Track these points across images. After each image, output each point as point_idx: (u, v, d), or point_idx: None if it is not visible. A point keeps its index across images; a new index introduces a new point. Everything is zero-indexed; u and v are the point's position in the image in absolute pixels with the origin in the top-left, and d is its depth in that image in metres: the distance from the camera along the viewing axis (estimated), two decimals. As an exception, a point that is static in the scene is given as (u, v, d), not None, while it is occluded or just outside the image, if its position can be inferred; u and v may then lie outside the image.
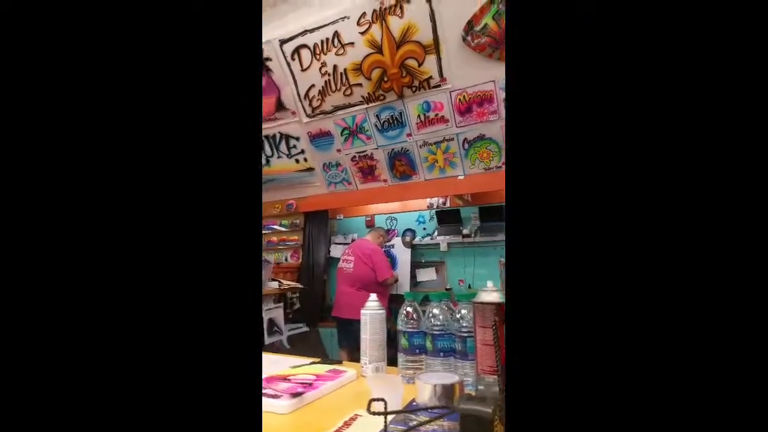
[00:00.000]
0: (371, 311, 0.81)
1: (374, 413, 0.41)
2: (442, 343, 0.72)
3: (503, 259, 2.75)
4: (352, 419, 0.56)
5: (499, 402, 0.49)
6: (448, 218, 2.98)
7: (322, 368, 0.82)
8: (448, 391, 0.58)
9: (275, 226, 3.36)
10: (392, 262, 3.00)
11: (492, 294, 0.64)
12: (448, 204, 2.97)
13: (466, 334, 0.69)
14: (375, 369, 0.78)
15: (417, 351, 0.75)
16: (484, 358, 0.61)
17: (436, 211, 3.04)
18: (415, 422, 0.52)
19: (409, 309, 0.78)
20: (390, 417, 0.52)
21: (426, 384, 0.59)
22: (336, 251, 3.21)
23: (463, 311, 0.72)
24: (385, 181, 2.89)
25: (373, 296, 0.84)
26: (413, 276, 3.01)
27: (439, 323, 0.74)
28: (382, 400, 0.43)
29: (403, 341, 0.76)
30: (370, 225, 3.27)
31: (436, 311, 0.75)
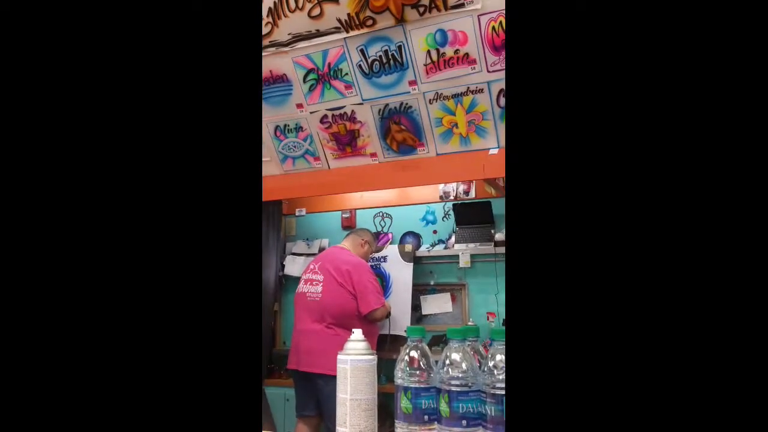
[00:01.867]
0: (355, 356, 0.83)
1: None
2: (466, 406, 0.76)
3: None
4: None
5: None
6: (472, 215, 3.05)
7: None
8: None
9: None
10: (383, 283, 3.04)
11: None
12: (472, 193, 3.04)
13: (502, 392, 0.72)
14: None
15: (426, 418, 0.78)
16: None
17: (453, 205, 3.11)
18: None
19: (414, 354, 0.80)
20: None
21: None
22: (294, 266, 3.27)
23: (498, 357, 0.74)
24: (373, 155, 2.87)
25: (358, 333, 0.88)
26: (416, 306, 3.07)
27: (460, 375, 0.77)
28: None
29: (404, 403, 0.79)
30: (349, 225, 3.32)
31: (456, 357, 0.79)
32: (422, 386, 0.79)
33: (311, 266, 2.72)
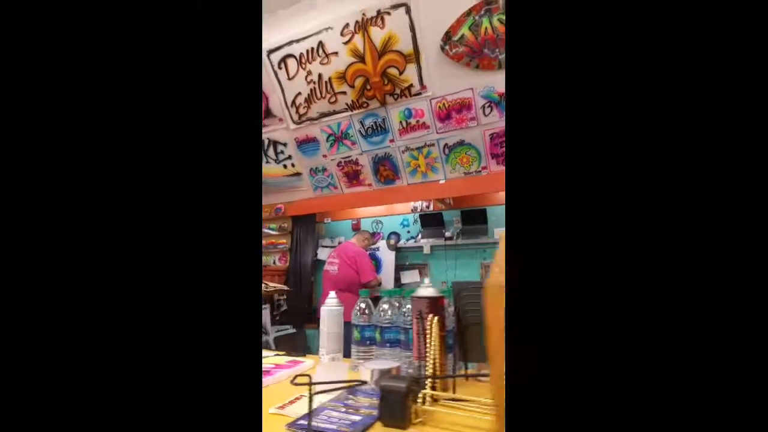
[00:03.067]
0: (329, 308, 0.88)
1: (296, 384, 0.49)
2: (389, 335, 0.79)
3: (485, 262, 2.81)
4: (297, 399, 0.63)
5: (418, 380, 0.56)
6: (431, 221, 3.04)
7: (284, 359, 0.88)
8: (385, 374, 0.66)
9: (264, 230, 3.42)
10: (377, 264, 3.05)
11: (427, 289, 0.72)
12: (431, 208, 3.03)
13: (409, 327, 0.76)
14: (331, 359, 0.85)
15: (367, 342, 0.81)
16: (417, 345, 0.69)
17: (419, 215, 3.10)
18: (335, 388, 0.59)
19: (362, 305, 0.85)
20: (326, 395, 0.60)
21: (367, 369, 0.67)
22: (323, 254, 3.25)
23: (407, 306, 0.78)
24: (369, 185, 2.94)
25: (332, 294, 0.91)
26: (397, 278, 3.05)
27: (387, 317, 0.80)
28: (308, 375, 0.50)
29: (355, 334, 0.83)
30: (356, 228, 3.32)
31: (385, 306, 0.82)
32: (366, 324, 0.81)
33: (332, 254, 2.73)
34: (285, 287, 2.86)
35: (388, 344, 0.79)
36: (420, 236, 3.08)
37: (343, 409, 0.58)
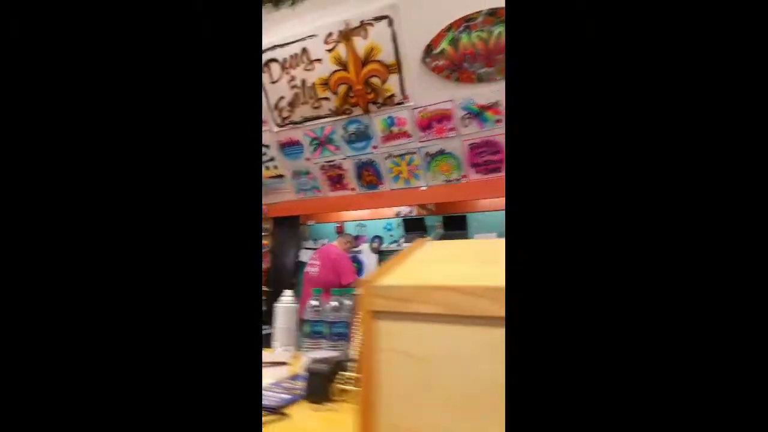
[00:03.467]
0: (284, 305, 0.97)
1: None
2: (336, 329, 0.89)
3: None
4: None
5: (341, 364, 0.65)
6: (414, 226, 3.15)
7: (241, 350, 0.96)
8: (317, 361, 0.74)
9: (248, 231, 3.47)
10: (359, 267, 3.13)
11: (367, 287, 0.81)
12: (414, 213, 3.12)
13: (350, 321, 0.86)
14: (284, 350, 0.93)
15: (316, 336, 0.90)
16: (354, 338, 0.78)
17: (402, 219, 3.19)
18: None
19: (314, 303, 0.94)
20: (269, 379, 0.68)
21: (306, 357, 0.76)
22: (305, 256, 3.31)
23: (350, 303, 0.88)
24: (353, 189, 3.01)
25: (288, 292, 0.99)
26: None
27: (335, 313, 0.90)
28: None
29: (305, 328, 0.92)
30: (340, 231, 3.40)
31: (335, 303, 0.91)
32: (317, 320, 0.90)
33: (313, 255, 2.80)
34: (264, 288, 2.93)
35: (335, 337, 0.88)
36: (403, 240, 3.16)
37: (279, 390, 0.67)
